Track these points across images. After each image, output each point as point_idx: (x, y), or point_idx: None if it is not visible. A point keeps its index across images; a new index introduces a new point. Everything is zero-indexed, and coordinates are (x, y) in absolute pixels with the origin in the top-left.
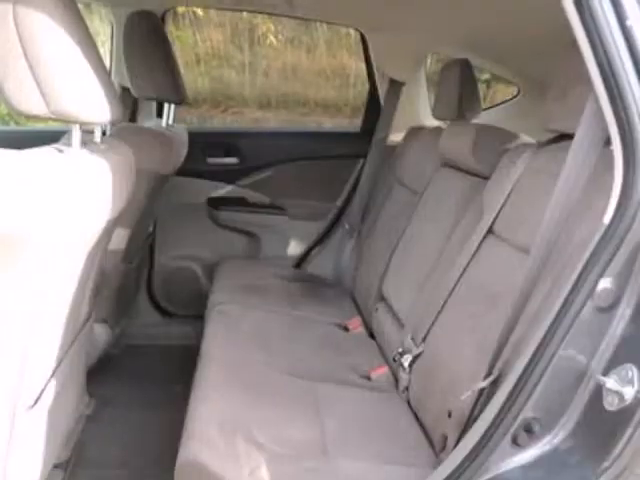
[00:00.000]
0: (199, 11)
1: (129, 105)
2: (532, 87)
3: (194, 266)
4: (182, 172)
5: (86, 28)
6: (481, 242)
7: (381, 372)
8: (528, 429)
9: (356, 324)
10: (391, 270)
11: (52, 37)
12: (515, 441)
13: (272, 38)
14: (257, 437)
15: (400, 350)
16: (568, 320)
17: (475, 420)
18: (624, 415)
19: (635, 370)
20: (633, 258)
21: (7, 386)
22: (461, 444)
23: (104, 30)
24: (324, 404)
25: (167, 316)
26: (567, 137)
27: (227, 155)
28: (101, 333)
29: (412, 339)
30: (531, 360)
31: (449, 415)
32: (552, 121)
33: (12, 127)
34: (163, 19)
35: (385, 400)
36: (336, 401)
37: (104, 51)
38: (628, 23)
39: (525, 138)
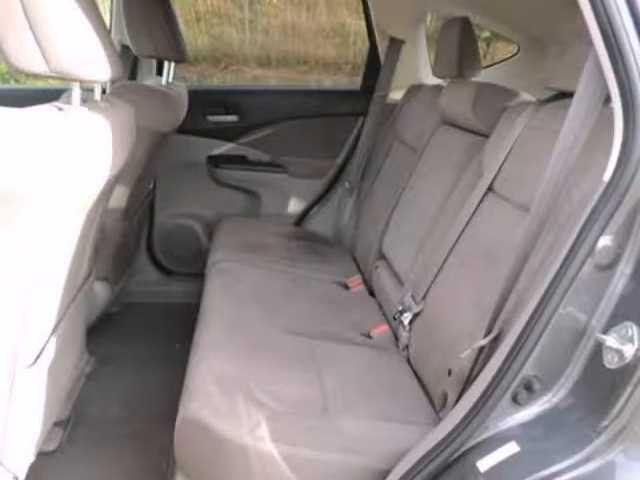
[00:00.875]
0: None
1: (129, 63)
2: (532, 45)
3: (194, 224)
4: (182, 130)
5: None
6: (481, 200)
7: (381, 330)
8: (528, 387)
9: (356, 282)
10: (391, 228)
11: None
12: (515, 399)
13: None
14: (257, 395)
15: (400, 308)
16: (568, 278)
17: (475, 378)
18: (624, 373)
19: (635, 328)
20: (633, 216)
21: (7, 344)
22: (461, 402)
23: None
24: (324, 362)
25: (167, 274)
26: (567, 95)
27: (227, 113)
28: (101, 291)
29: (412, 297)
30: (531, 318)
31: (449, 373)
32: (552, 79)
33: (12, 85)
34: None
35: (385, 358)
36: (336, 359)
37: (104, 9)
38: None
39: (525, 96)
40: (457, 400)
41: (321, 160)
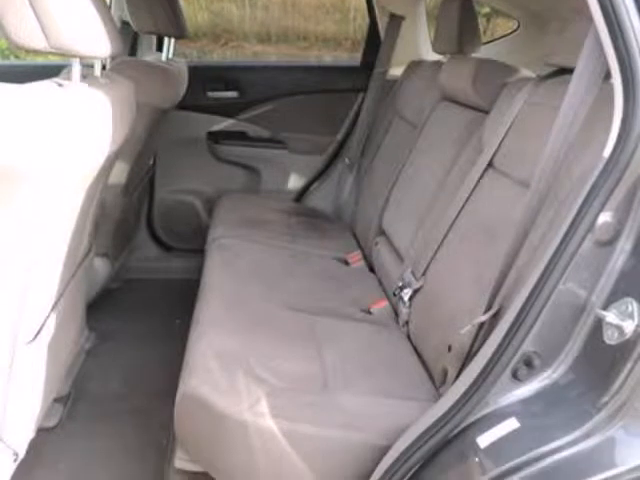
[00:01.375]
0: None
1: (129, 39)
2: (532, 21)
3: (194, 200)
4: (182, 106)
5: None
6: (481, 176)
7: (381, 306)
8: (528, 363)
9: (356, 258)
10: (391, 204)
11: None
12: (515, 375)
13: None
14: (257, 371)
15: (400, 284)
16: (568, 254)
17: (475, 354)
18: (624, 349)
19: (635, 304)
20: (633, 192)
21: (7, 320)
22: (461, 378)
23: None
24: (324, 338)
25: (167, 250)
26: (567, 71)
27: (227, 89)
28: (101, 267)
29: (412, 273)
30: (531, 294)
31: (449, 349)
32: (552, 55)
33: (12, 61)
34: None
35: (385, 334)
36: (336, 335)
37: None
38: None
39: (525, 72)
40: (457, 376)
41: (321, 136)
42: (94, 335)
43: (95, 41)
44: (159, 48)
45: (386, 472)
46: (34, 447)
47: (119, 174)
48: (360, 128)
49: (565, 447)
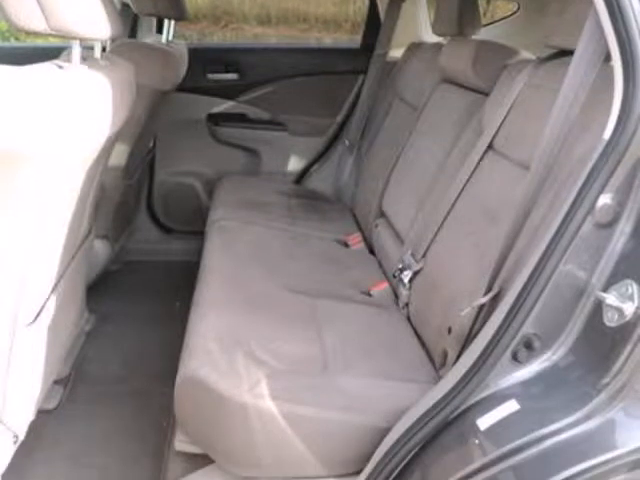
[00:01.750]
0: None
1: (129, 21)
2: (532, 3)
3: (194, 182)
4: (182, 88)
5: None
6: (481, 158)
7: (381, 288)
8: (528, 345)
9: (356, 240)
10: (391, 186)
11: None
12: (515, 357)
13: None
14: (257, 353)
15: (400, 266)
16: (568, 236)
17: (475, 336)
18: (624, 331)
19: (635, 286)
20: (633, 174)
21: (7, 302)
22: (461, 360)
23: None
24: (324, 320)
25: (167, 232)
26: (567, 53)
27: (227, 71)
28: (101, 249)
29: (412, 255)
30: (531, 276)
31: (449, 331)
32: (552, 37)
33: (12, 43)
34: None
35: (385, 316)
36: (336, 317)
37: None
38: None
39: (525, 54)
40: (457, 358)
41: (321, 118)
42: (94, 317)
43: (95, 23)
44: (159, 30)
45: (386, 454)
46: (34, 429)
47: (119, 156)
48: (360, 110)
49: (565, 429)
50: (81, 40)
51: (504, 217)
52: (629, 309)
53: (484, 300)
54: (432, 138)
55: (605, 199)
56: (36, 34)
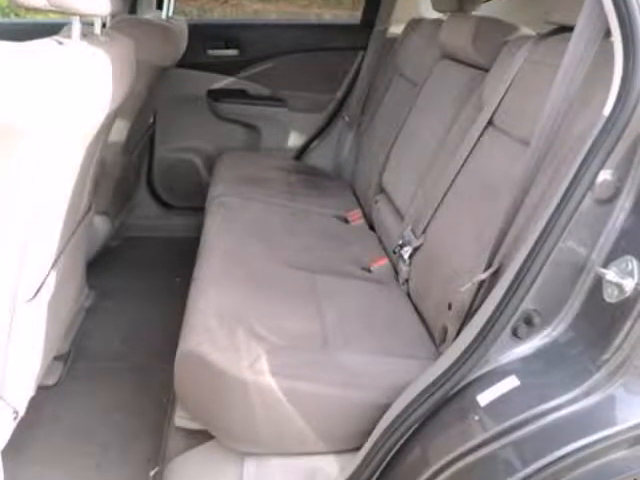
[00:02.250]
0: None
1: None
2: None
3: (194, 158)
4: (182, 64)
5: None
6: (481, 134)
7: (381, 264)
8: (528, 321)
9: (356, 216)
10: (391, 162)
11: None
12: (515, 333)
13: None
14: (257, 329)
15: (400, 242)
16: (568, 212)
17: (475, 312)
18: (624, 307)
19: (635, 262)
20: (633, 150)
21: (7, 278)
22: (461, 336)
23: None
24: (324, 296)
25: (167, 208)
26: (567, 29)
27: (227, 47)
28: (101, 225)
29: (412, 231)
30: (531, 252)
31: (449, 307)
32: (552, 13)
33: (12, 20)
34: None
35: (385, 292)
36: (336, 293)
37: None
38: None
39: (525, 30)
40: (457, 334)
41: (321, 94)
42: (94, 293)
43: None
44: (159, 6)
45: (386, 430)
46: (34, 405)
47: (119, 132)
48: (360, 86)
49: (565, 405)
50: (81, 16)
51: (504, 193)
52: (629, 285)
53: (484, 276)
54: (432, 114)
55: (605, 175)
56: (36, 10)
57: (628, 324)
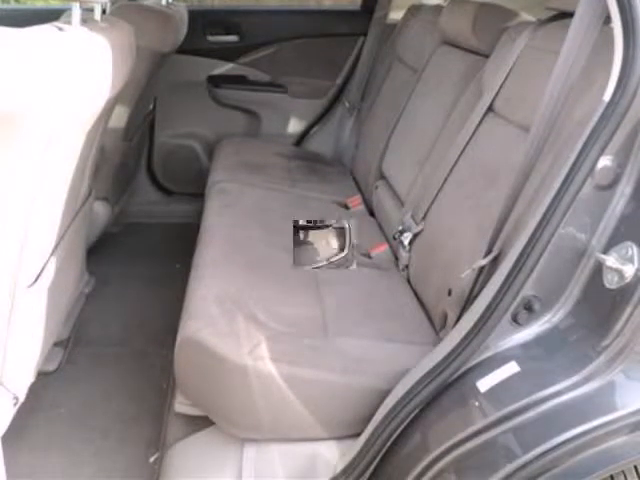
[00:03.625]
0: None
1: None
2: None
3: (194, 144)
4: (182, 50)
5: None
6: (481, 120)
7: (381, 250)
8: (528, 307)
9: (356, 202)
10: (391, 148)
11: None
12: (515, 319)
13: None
14: (257, 315)
15: (400, 228)
16: (568, 198)
17: (475, 298)
18: (624, 293)
19: (635, 248)
20: (633, 136)
21: (7, 264)
22: (461, 322)
23: None
24: (324, 282)
25: (167, 194)
26: (567, 15)
27: (227, 33)
28: (101, 211)
29: (412, 217)
30: (531, 238)
31: (449, 293)
32: None
33: (12, 5)
34: None
35: (385, 278)
36: (336, 279)
37: None
38: None
39: (525, 16)
40: (457, 320)
41: (321, 80)
42: (94, 279)
43: None
44: None
45: (386, 416)
46: (34, 391)
47: (119, 118)
48: (360, 72)
49: (565, 391)
50: (81, 2)
51: (504, 179)
52: (629, 271)
53: (484, 262)
54: (432, 100)
55: (605, 161)
56: None
57: (628, 310)
